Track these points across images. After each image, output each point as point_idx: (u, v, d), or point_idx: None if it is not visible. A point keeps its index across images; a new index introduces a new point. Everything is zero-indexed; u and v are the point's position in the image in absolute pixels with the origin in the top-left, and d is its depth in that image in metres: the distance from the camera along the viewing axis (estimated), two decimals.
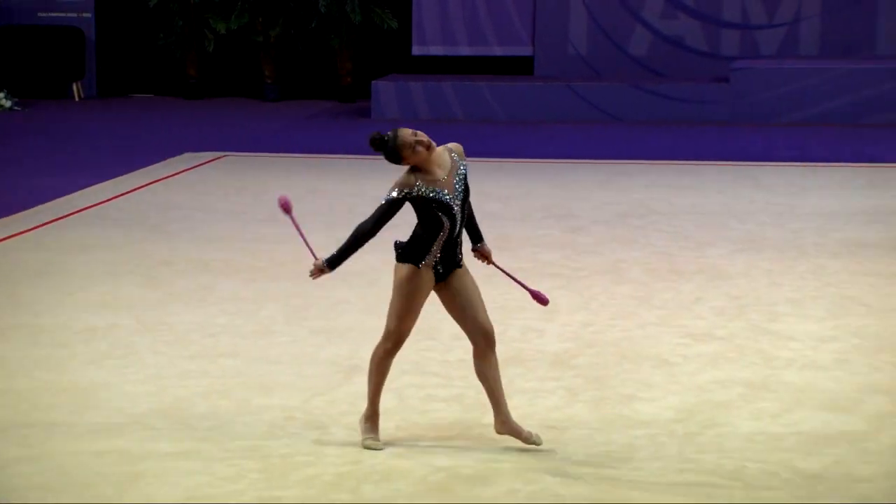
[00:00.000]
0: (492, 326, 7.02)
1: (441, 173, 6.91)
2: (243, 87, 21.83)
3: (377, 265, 10.07)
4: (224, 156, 16.40)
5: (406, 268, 6.94)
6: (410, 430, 7.34)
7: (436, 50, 20.29)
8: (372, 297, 9.92)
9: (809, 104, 18.14)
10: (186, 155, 16.38)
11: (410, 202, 6.89)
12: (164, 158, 16.08)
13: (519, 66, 20.06)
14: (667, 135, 17.55)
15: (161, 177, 14.96)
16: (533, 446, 7.01)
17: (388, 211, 6.90)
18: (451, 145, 7.05)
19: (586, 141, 17.31)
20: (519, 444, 7.03)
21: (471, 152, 15.96)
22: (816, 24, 19.13)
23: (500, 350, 8.80)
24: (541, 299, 7.27)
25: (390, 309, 7.00)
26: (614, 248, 11.63)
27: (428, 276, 6.93)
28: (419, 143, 6.85)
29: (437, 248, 6.92)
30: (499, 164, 15.72)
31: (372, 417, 7.10)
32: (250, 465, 6.78)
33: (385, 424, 7.23)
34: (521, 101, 18.98)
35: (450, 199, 6.88)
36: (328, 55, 21.16)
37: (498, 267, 7.35)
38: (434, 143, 6.92)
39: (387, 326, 7.01)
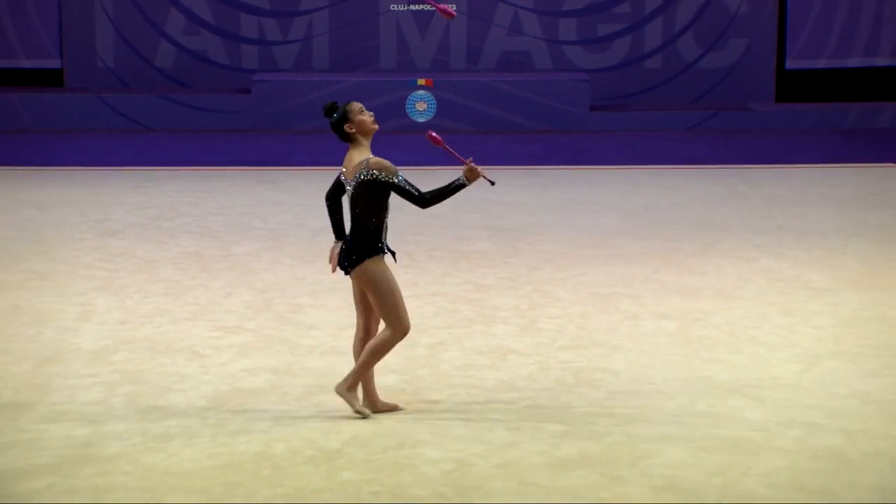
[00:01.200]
0: None
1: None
2: None
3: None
4: None
5: (372, 262, 7.14)
6: None
7: None
8: None
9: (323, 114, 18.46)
10: None
11: (375, 186, 7.17)
12: None
13: (50, 79, 19.47)
14: (194, 142, 17.47)
15: None
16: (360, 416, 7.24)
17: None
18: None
19: (118, 149, 16.99)
20: (52, 443, 6.85)
21: (4, 162, 15.41)
22: (326, 41, 19.50)
23: (37, 350, 8.54)
24: (446, 11, 7.48)
25: (385, 308, 7.12)
26: (147, 248, 11.49)
27: (384, 260, 7.19)
28: (363, 111, 7.32)
29: (384, 235, 7.22)
30: (33, 171, 15.21)
31: (353, 388, 7.24)
32: None
33: None
34: (53, 112, 18.44)
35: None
36: None
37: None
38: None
39: (392, 325, 7.14)
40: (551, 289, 10.14)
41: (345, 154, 7.40)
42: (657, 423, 7.24)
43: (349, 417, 7.31)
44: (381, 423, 7.23)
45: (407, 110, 18.45)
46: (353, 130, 7.32)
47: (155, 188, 14.33)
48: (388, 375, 8.04)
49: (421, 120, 18.39)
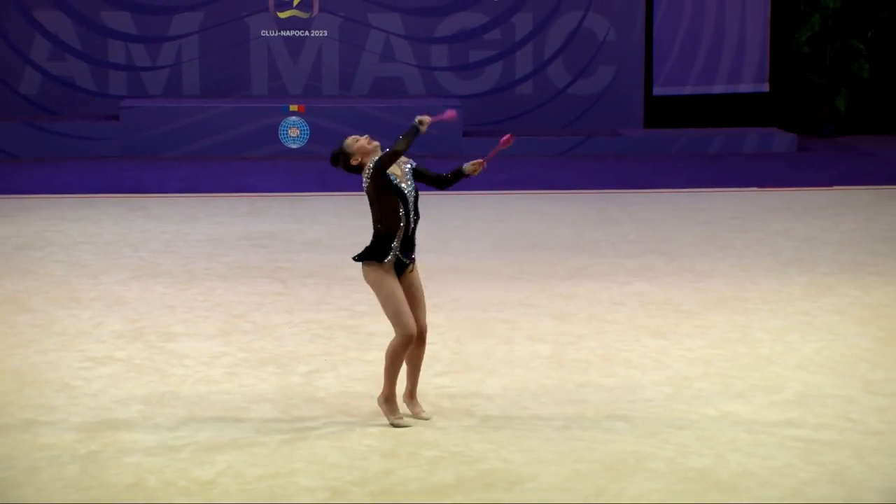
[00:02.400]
0: (426, 325, 7.63)
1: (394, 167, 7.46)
2: None
3: None
4: None
5: (369, 267, 7.40)
6: None
7: None
8: None
9: (195, 139, 18.32)
10: None
11: (374, 183, 7.30)
12: None
13: None
14: (62, 170, 17.18)
15: None
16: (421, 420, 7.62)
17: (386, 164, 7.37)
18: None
19: None
20: None
21: None
22: (196, 67, 19.35)
23: None
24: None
25: (387, 313, 7.45)
26: (14, 279, 11.27)
27: (390, 269, 7.37)
28: (357, 139, 7.49)
29: (398, 244, 7.35)
30: None
31: (389, 399, 7.55)
32: None
33: None
34: None
35: (405, 188, 7.40)
36: None
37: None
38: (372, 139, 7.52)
39: (395, 329, 7.48)
40: None
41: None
42: (532, 447, 7.28)
43: (222, 447, 7.23)
44: (255, 452, 7.17)
45: (280, 136, 18.37)
46: (359, 160, 7.56)
47: (21, 217, 14.07)
48: (263, 404, 7.98)
49: (293, 146, 18.33)
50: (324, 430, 7.54)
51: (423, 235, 13.40)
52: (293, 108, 18.43)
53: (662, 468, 6.97)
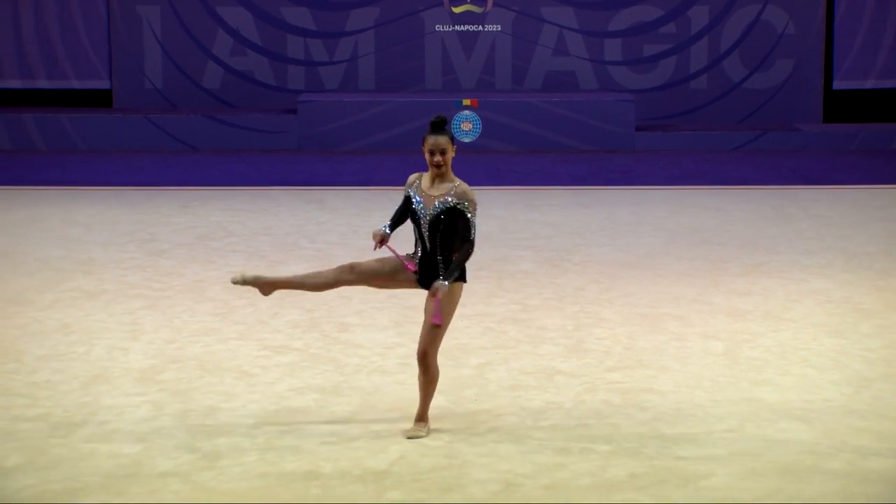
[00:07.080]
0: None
1: (433, 190, 7.48)
2: None
3: None
4: None
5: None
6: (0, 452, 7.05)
7: (14, 83, 19.58)
8: None
9: (370, 133, 18.53)
10: None
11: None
12: None
13: (98, 99, 19.62)
14: (240, 163, 17.54)
15: None
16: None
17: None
18: (464, 185, 7.52)
19: (165, 169, 17.10)
20: (101, 461, 6.88)
21: (53, 182, 15.53)
22: (372, 62, 19.57)
23: (86, 369, 8.59)
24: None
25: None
26: (195, 268, 11.53)
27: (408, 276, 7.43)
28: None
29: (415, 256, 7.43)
30: (81, 191, 15.31)
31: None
32: None
33: None
34: (101, 132, 18.57)
35: (422, 210, 7.35)
36: None
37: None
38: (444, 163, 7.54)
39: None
40: (597, 309, 10.11)
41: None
42: (706, 445, 7.20)
43: (396, 437, 7.31)
44: (428, 444, 7.23)
45: (453, 130, 18.47)
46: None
47: (202, 208, 14.40)
48: (435, 396, 8.03)
49: (466, 140, 18.42)
50: (495, 423, 7.56)
51: (595, 229, 13.41)
52: (466, 102, 18.52)
53: (841, 469, 6.84)
